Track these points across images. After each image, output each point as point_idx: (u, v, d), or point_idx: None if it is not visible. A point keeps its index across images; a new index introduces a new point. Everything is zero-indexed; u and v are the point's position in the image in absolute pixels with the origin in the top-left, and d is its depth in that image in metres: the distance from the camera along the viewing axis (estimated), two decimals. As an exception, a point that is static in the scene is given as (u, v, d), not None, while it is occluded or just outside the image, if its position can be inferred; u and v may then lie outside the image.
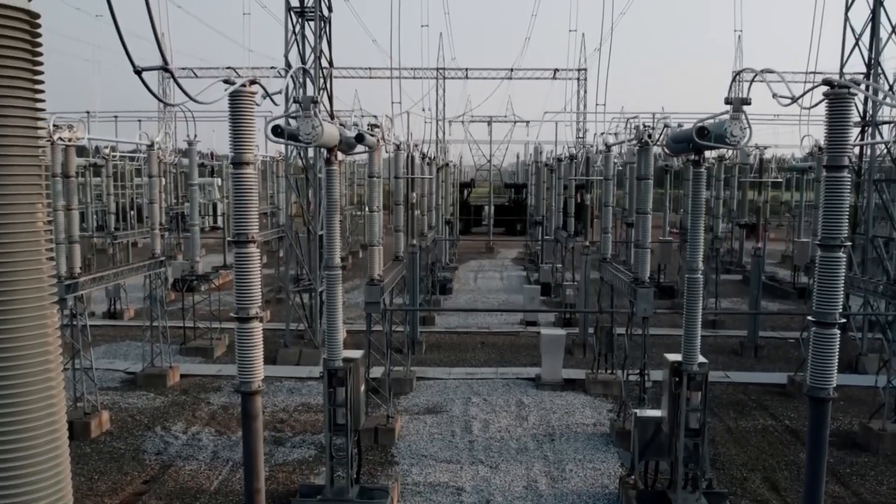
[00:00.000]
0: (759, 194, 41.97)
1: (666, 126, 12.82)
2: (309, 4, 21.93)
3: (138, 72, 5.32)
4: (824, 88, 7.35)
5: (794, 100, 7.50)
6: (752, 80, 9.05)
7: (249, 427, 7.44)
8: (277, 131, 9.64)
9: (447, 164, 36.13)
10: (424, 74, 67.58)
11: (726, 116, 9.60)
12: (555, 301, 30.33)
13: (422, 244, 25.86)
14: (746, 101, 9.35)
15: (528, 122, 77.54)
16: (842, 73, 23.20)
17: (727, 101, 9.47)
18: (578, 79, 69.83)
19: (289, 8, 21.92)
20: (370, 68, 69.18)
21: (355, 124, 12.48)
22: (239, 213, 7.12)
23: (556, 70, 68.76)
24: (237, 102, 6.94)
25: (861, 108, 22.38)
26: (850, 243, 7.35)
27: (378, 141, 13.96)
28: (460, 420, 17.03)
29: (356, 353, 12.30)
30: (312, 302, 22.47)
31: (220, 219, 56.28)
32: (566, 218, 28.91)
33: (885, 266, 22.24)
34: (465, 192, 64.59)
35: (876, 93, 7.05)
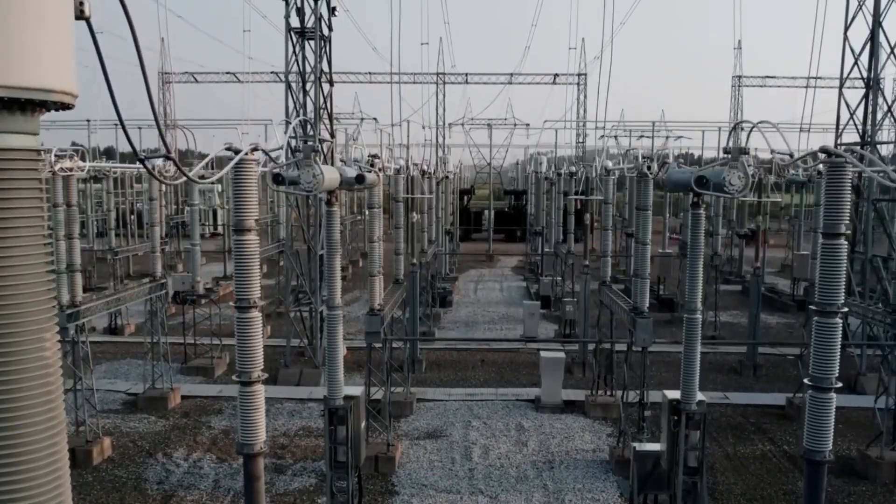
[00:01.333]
0: (758, 203, 41.99)
1: (665, 163, 12.87)
2: (309, 25, 22.01)
3: (141, 160, 5.40)
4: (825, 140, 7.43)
5: (793, 161, 7.56)
6: (750, 132, 9.11)
7: (252, 488, 7.51)
8: (279, 179, 9.71)
9: (447, 177, 36.21)
10: (424, 80, 67.71)
11: (725, 165, 9.66)
12: (555, 315, 30.39)
13: (422, 261, 25.91)
14: (745, 151, 9.41)
15: (527, 125, 77.73)
16: (841, 92, 23.27)
17: (725, 151, 9.53)
18: (578, 84, 69.94)
19: (289, 28, 22.00)
20: (370, 73, 69.21)
21: (356, 160, 12.54)
22: (241, 279, 7.18)
23: (556, 75, 68.84)
24: (240, 170, 7.01)
25: (860, 129, 22.46)
26: (845, 305, 7.38)
27: (377, 174, 14.02)
28: (460, 445, 17.10)
29: (357, 390, 12.37)
30: (313, 321, 22.54)
31: (219, 226, 56.40)
32: (566, 234, 28.98)
33: (883, 286, 22.31)
34: (465, 198, 64.62)
35: (871, 163, 7.09)
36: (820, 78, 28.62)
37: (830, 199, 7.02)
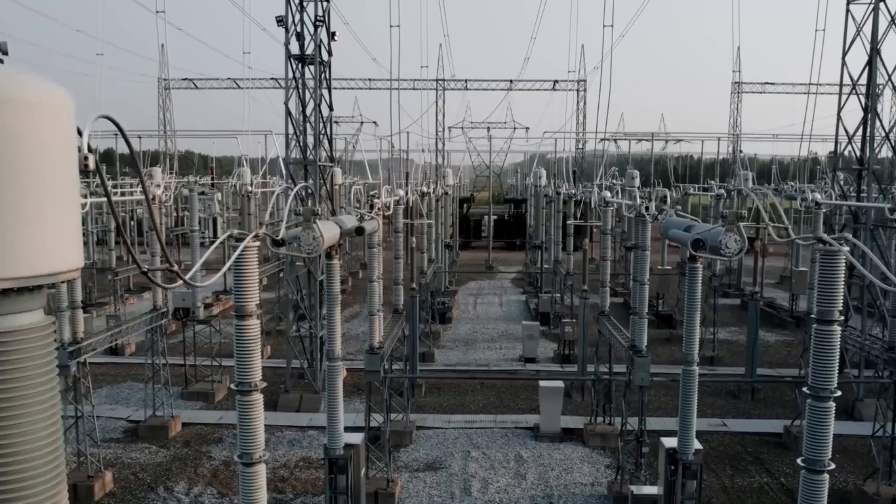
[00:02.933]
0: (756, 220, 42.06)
1: (662, 210, 12.96)
2: (309, 51, 22.10)
3: (144, 272, 5.48)
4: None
5: (791, 238, 7.63)
6: (747, 196, 9.18)
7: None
8: (280, 242, 9.78)
9: (446, 193, 36.30)
10: (424, 86, 67.82)
11: (722, 228, 9.75)
12: (554, 333, 30.47)
13: (421, 283, 26.01)
14: (741, 217, 9.49)
15: (527, 128, 77.91)
16: (839, 117, 23.34)
17: (722, 216, 9.61)
18: (578, 90, 70.07)
19: (289, 55, 22.09)
20: (370, 79, 69.44)
21: (357, 208, 12.63)
22: (242, 362, 7.28)
23: (555, 81, 69.02)
24: (242, 256, 7.09)
25: (858, 153, 22.54)
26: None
27: (377, 215, 14.12)
28: (459, 478, 17.19)
29: (356, 437, 12.48)
30: (313, 346, 22.63)
31: (220, 231, 56.60)
32: (565, 248, 29.07)
33: (881, 310, 22.38)
34: (465, 206, 64.69)
35: (863, 255, 7.16)
36: (820, 84, 28.70)
37: (824, 286, 7.11)
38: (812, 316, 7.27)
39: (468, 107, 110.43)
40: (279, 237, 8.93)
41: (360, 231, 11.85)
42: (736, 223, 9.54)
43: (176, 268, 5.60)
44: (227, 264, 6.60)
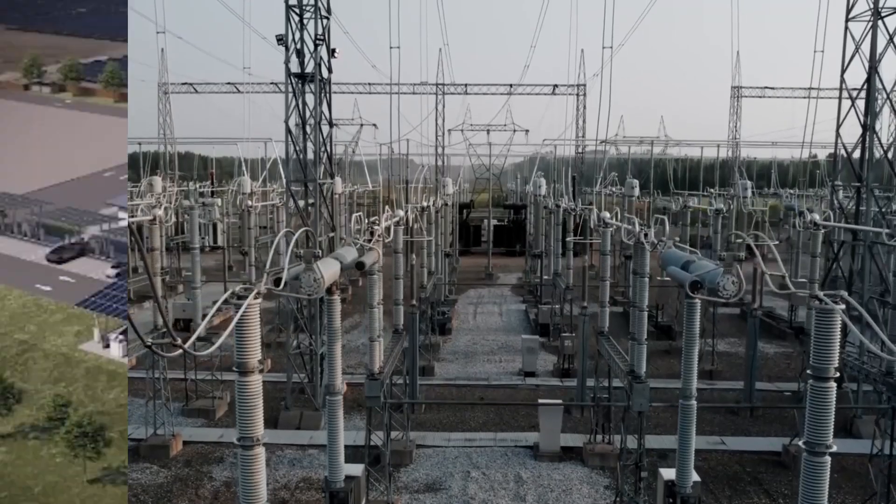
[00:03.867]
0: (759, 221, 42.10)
1: (661, 241, 13.03)
2: (309, 69, 22.17)
3: (148, 346, 5.57)
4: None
5: (788, 291, 7.71)
6: (745, 242, 9.26)
7: None
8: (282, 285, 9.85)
9: (446, 204, 36.38)
10: (424, 90, 67.91)
11: (720, 270, 9.82)
12: (553, 345, 30.56)
13: (421, 296, 26.08)
14: (738, 259, 9.57)
15: (527, 131, 78.01)
16: (837, 133, 23.42)
17: (720, 258, 9.69)
18: (578, 94, 70.12)
19: (289, 73, 22.15)
20: (370, 84, 69.44)
21: (356, 240, 12.72)
22: (244, 418, 7.35)
23: (555, 86, 69.06)
24: (244, 314, 7.16)
25: (857, 171, 22.61)
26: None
27: (377, 243, 14.19)
28: (459, 500, 17.26)
29: (357, 469, 12.55)
30: (313, 363, 22.70)
31: (220, 237, 56.67)
32: (565, 267, 29.15)
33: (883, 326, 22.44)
34: (465, 212, 64.83)
35: (858, 314, 7.32)
36: (820, 89, 28.68)
37: (819, 343, 7.18)
38: (808, 371, 7.35)
39: (468, 110, 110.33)
40: (281, 286, 9.01)
41: (360, 266, 11.94)
42: (734, 265, 9.62)
43: (178, 341, 5.69)
44: (230, 328, 6.67)
